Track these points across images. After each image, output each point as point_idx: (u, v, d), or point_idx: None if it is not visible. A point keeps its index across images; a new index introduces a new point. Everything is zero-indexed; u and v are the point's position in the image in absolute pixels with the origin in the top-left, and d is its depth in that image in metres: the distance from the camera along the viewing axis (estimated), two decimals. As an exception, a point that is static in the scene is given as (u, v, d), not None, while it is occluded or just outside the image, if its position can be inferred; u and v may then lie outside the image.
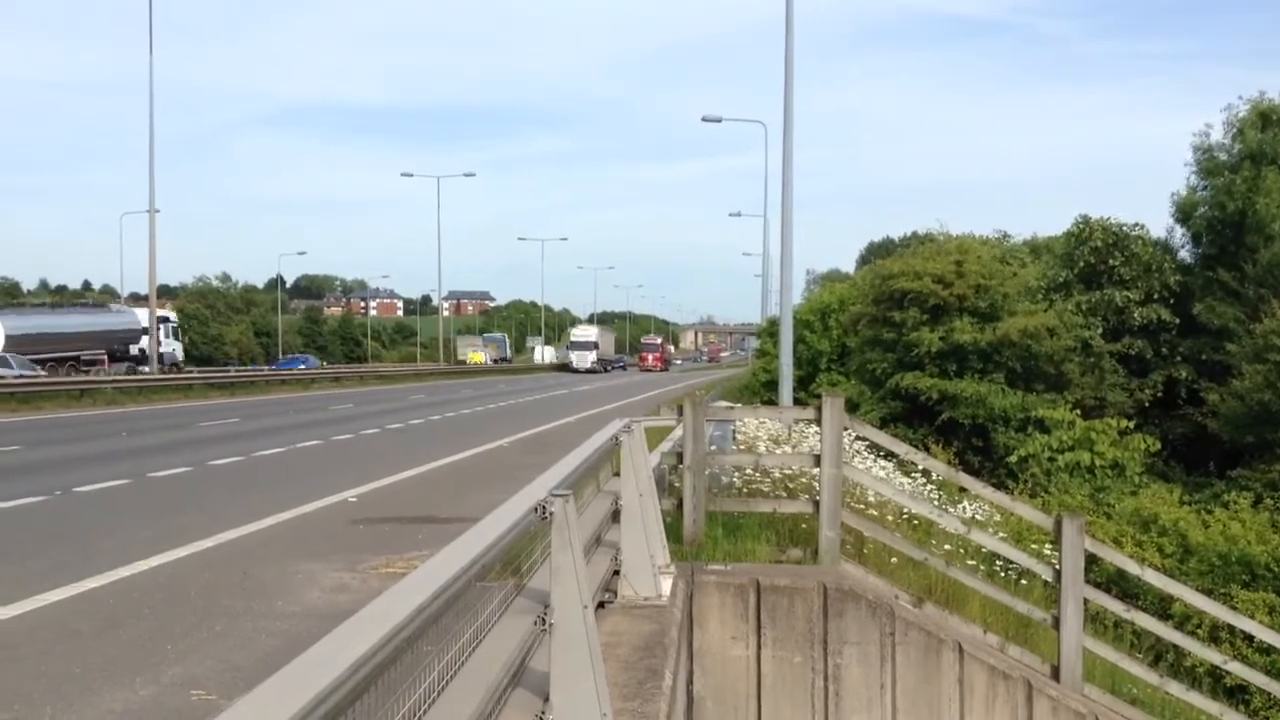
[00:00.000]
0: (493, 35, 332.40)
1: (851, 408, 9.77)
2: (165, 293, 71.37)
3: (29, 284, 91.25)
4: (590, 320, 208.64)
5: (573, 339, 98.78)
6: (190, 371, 47.59)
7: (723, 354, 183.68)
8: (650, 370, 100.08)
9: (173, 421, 24.84)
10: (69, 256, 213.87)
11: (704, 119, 41.79)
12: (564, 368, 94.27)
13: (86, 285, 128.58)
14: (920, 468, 10.89)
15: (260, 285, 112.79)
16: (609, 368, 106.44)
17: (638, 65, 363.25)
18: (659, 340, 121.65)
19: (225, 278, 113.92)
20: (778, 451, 10.53)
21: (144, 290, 47.26)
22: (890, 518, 10.29)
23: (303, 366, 63.32)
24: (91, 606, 7.20)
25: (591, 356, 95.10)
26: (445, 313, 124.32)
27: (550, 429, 23.61)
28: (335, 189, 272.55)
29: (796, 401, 18.24)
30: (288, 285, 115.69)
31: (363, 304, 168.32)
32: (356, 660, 2.18)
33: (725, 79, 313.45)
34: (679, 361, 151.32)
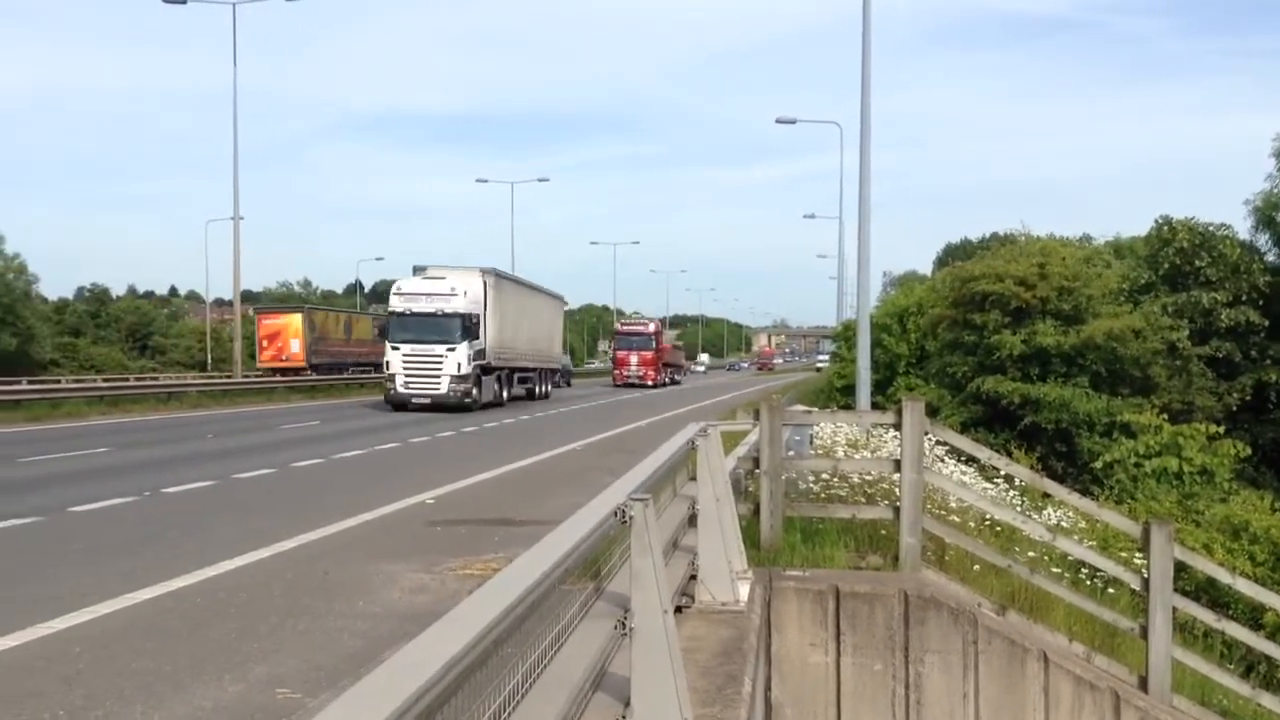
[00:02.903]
0: (566, 42, 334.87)
1: (931, 412, 9.62)
2: (249, 298, 72.91)
3: (118, 289, 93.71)
4: (664, 324, 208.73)
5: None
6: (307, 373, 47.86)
7: (778, 359, 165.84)
8: (633, 383, 57.39)
9: (255, 424, 25.37)
10: (157, 263, 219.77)
11: (778, 121, 41.61)
12: None
13: (173, 291, 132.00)
14: (1002, 473, 10.69)
15: (339, 290, 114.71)
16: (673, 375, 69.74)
17: (710, 68, 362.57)
18: (650, 328, 61.99)
19: (306, 283, 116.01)
20: (856, 456, 10.41)
21: (228, 295, 48.35)
22: (972, 524, 10.11)
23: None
24: (180, 605, 7.36)
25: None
26: None
27: (622, 433, 23.66)
28: (412, 195, 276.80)
29: (874, 406, 18.04)
30: (366, 290, 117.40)
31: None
32: (447, 662, 2.19)
33: (799, 81, 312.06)
34: (698, 369, 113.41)
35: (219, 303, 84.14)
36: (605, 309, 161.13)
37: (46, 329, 58.66)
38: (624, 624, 3.84)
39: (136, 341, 75.13)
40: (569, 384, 56.44)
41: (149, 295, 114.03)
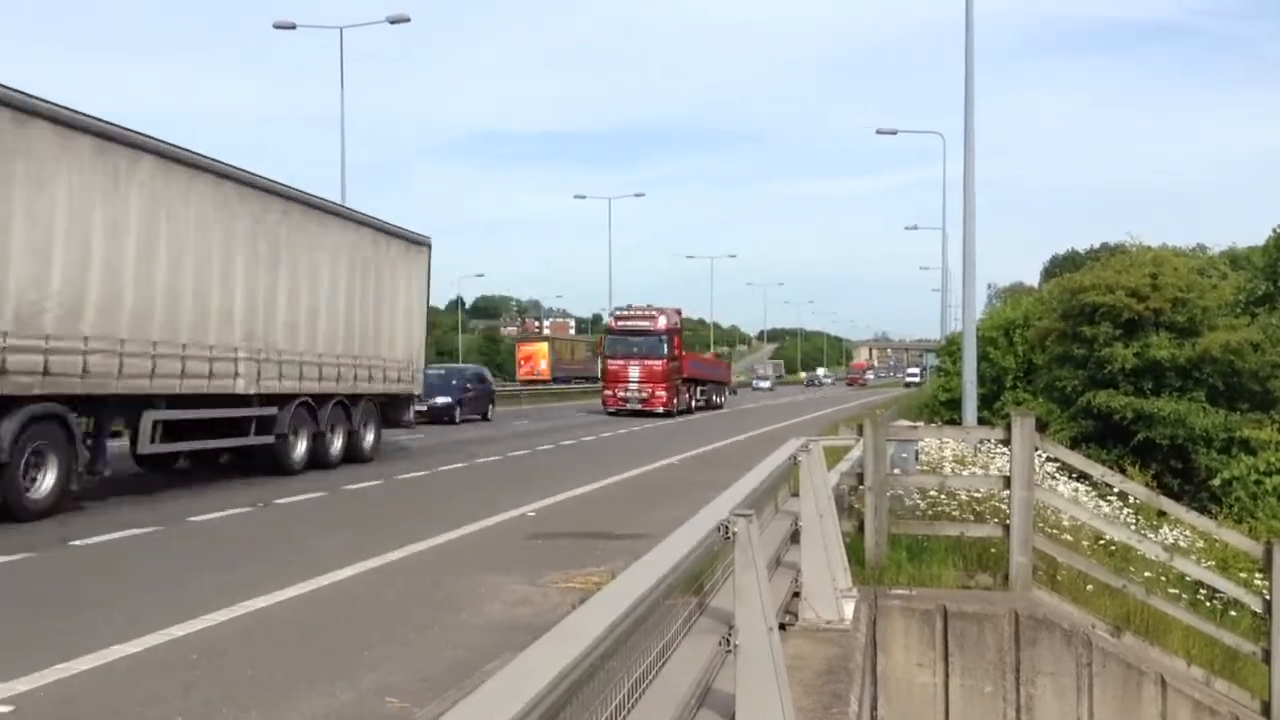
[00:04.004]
0: (661, 56, 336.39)
1: (1040, 427, 9.39)
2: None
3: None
4: (761, 338, 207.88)
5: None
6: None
7: (870, 374, 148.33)
8: (633, 410, 37.94)
9: (482, 423, 28.14)
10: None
11: (879, 132, 41.21)
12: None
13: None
14: (1116, 490, 10.37)
15: (442, 306, 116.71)
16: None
17: (808, 79, 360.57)
18: (659, 322, 39.43)
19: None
20: (964, 473, 10.21)
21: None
22: (1085, 543, 9.83)
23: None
24: (293, 613, 7.55)
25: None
26: None
27: (719, 448, 23.57)
28: (511, 212, 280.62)
29: (981, 421, 17.68)
30: (467, 306, 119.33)
31: (536, 323, 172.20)
32: (559, 673, 2.20)
33: (899, 90, 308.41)
34: (762, 384, 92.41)
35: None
36: (701, 322, 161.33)
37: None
38: (728, 640, 3.82)
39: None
40: (486, 414, 34.28)
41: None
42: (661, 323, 39.16)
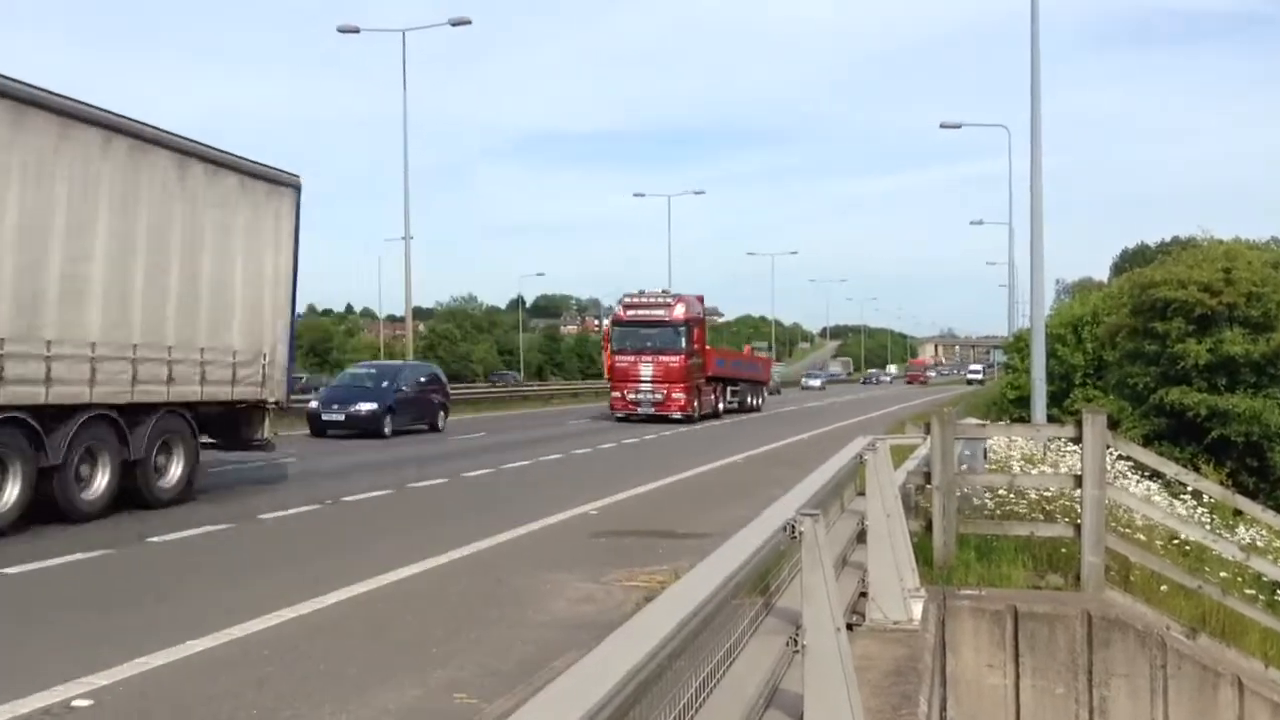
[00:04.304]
0: (720, 54, 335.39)
1: (1111, 425, 9.22)
2: (420, 314, 75.78)
3: (300, 307, 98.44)
4: (824, 335, 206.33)
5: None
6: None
7: (932, 372, 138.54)
8: (645, 416, 31.84)
9: (428, 435, 26.22)
10: (334, 281, 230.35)
11: (943, 126, 40.77)
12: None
13: (349, 308, 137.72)
14: (1190, 489, 10.15)
15: (503, 305, 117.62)
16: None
17: (868, 73, 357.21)
18: (676, 311, 32.59)
19: (471, 298, 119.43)
20: (1034, 471, 10.05)
21: (400, 311, 50.19)
22: (1158, 543, 9.63)
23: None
24: (362, 609, 7.65)
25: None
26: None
27: (783, 446, 23.46)
28: (570, 212, 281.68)
29: (1050, 419, 17.40)
30: (527, 305, 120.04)
31: (596, 321, 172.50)
32: (629, 671, 2.20)
33: (962, 83, 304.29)
34: (812, 383, 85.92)
35: (391, 319, 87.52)
36: (763, 319, 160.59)
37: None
38: (795, 640, 3.80)
39: (318, 356, 78.70)
40: (436, 423, 27.70)
41: (327, 313, 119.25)
42: (679, 311, 32.39)
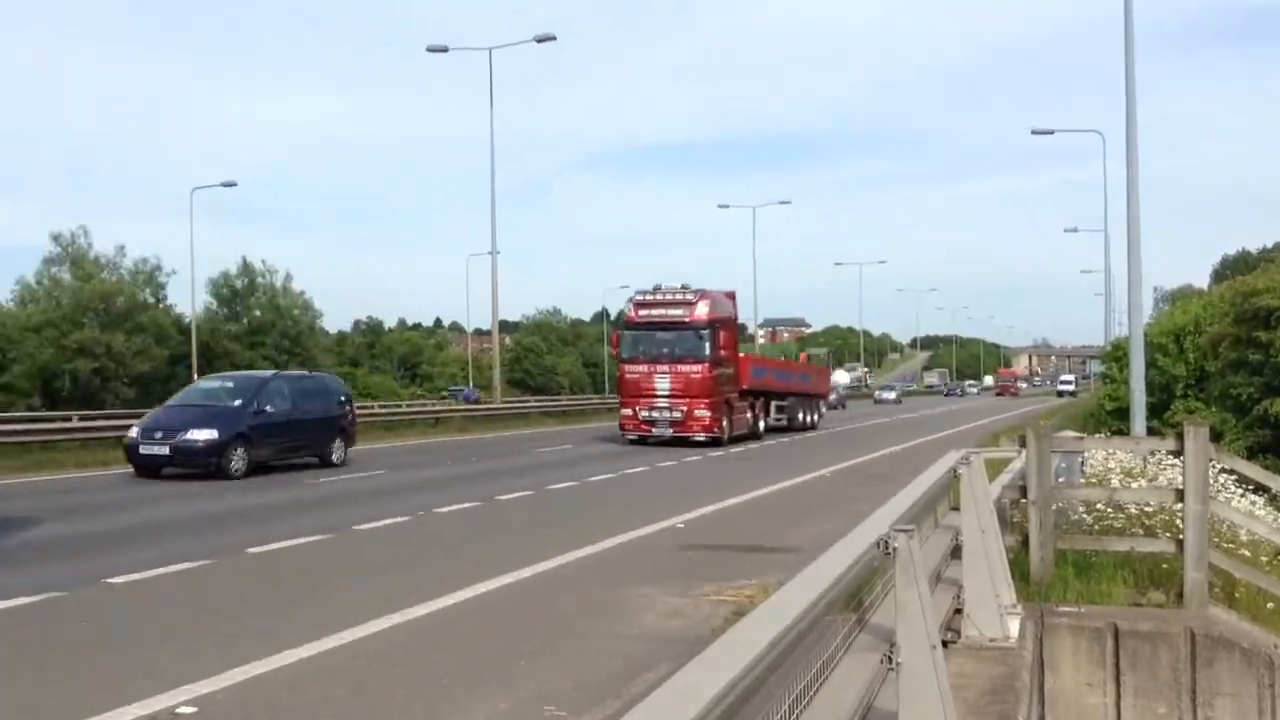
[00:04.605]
0: (803, 62, 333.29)
1: (1214, 437, 8.93)
2: (506, 327, 76.65)
3: (389, 322, 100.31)
4: (914, 345, 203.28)
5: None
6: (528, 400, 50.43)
7: (1023, 383, 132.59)
8: (660, 439, 26.76)
9: (514, 448, 26.47)
10: (423, 295, 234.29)
11: (1034, 132, 40.03)
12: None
13: (437, 322, 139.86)
14: (1299, 504, 9.78)
15: (587, 318, 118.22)
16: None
17: (953, 80, 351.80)
18: (698, 311, 27.10)
19: (556, 311, 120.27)
20: (1133, 485, 9.78)
21: (487, 325, 50.90)
22: (1264, 559, 9.29)
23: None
24: (453, 620, 7.74)
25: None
26: (761, 340, 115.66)
27: (871, 459, 23.17)
28: (654, 224, 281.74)
29: (1150, 431, 16.90)
30: (611, 317, 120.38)
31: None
32: (720, 691, 2.19)
33: (1053, 87, 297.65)
34: (887, 395, 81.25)
35: (478, 332, 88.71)
36: (851, 330, 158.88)
37: (329, 359, 63.38)
38: (890, 658, 3.75)
39: (407, 370, 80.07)
40: (328, 454, 20.97)
41: (416, 327, 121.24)
42: (702, 310, 26.93)
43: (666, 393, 26.79)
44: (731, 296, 29.62)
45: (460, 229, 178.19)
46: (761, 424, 30.48)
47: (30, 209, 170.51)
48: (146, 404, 39.59)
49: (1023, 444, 8.54)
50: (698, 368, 26.64)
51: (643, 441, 26.72)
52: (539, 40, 36.17)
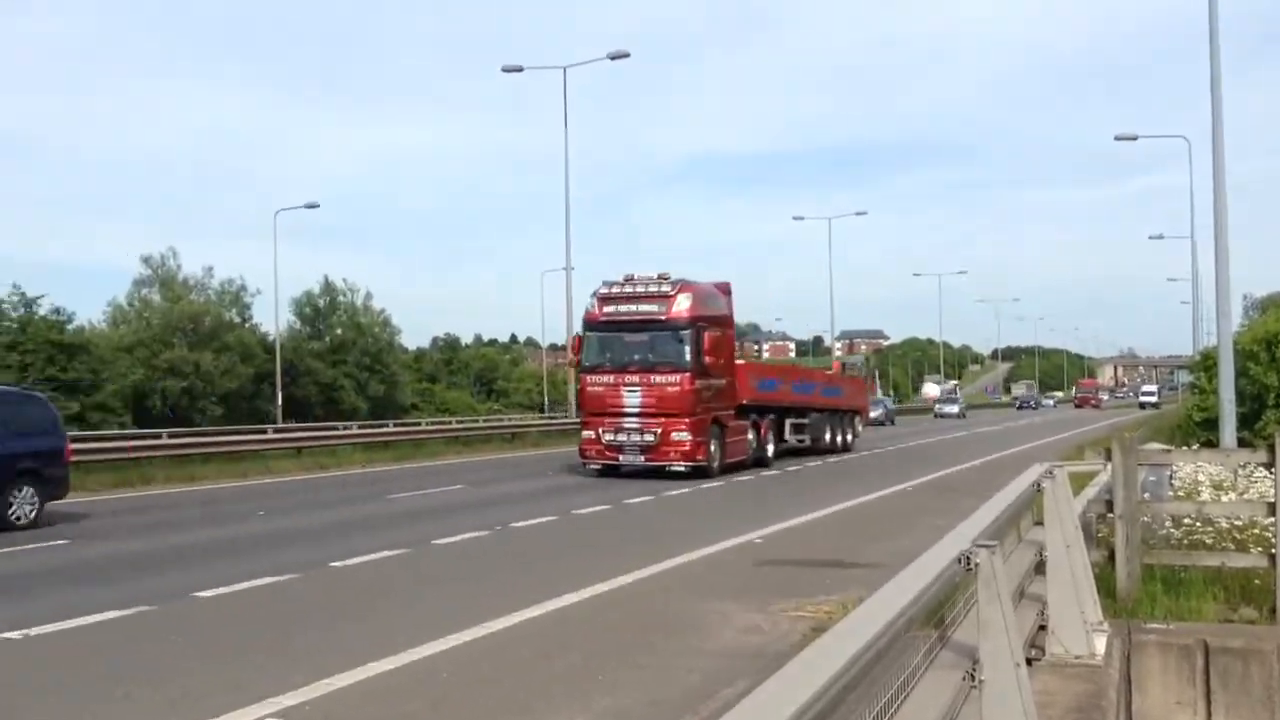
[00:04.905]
0: (878, 71, 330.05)
1: (1309, 449, 8.62)
2: (581, 342, 77.38)
3: (466, 338, 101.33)
4: (995, 357, 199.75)
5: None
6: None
7: (1104, 394, 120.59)
8: (626, 469, 21.90)
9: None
10: (498, 312, 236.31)
11: (1118, 138, 39.17)
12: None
13: (513, 338, 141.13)
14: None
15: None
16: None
17: (1032, 86, 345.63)
18: (676, 305, 21.52)
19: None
20: (1223, 499, 9.50)
21: (561, 340, 51.27)
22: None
23: None
24: (530, 634, 7.80)
25: None
26: (837, 352, 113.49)
27: (953, 473, 22.83)
28: (729, 236, 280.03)
29: (1241, 443, 16.41)
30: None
31: (755, 346, 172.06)
32: (800, 708, 2.18)
33: (1133, 93, 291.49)
34: (949, 409, 71.50)
35: (553, 348, 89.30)
36: (930, 342, 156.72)
37: (408, 376, 64.23)
38: (972, 675, 3.70)
39: (483, 386, 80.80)
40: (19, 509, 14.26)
41: (492, 343, 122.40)
42: (682, 305, 21.53)
43: (637, 410, 21.43)
44: (725, 290, 23.93)
45: (536, 245, 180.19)
46: (770, 447, 24.79)
47: (122, 231, 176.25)
48: (235, 421, 40.60)
49: (1108, 457, 8.36)
50: (676, 378, 21.21)
51: (611, 472, 21.75)
52: (612, 57, 36.40)
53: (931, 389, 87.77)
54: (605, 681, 6.54)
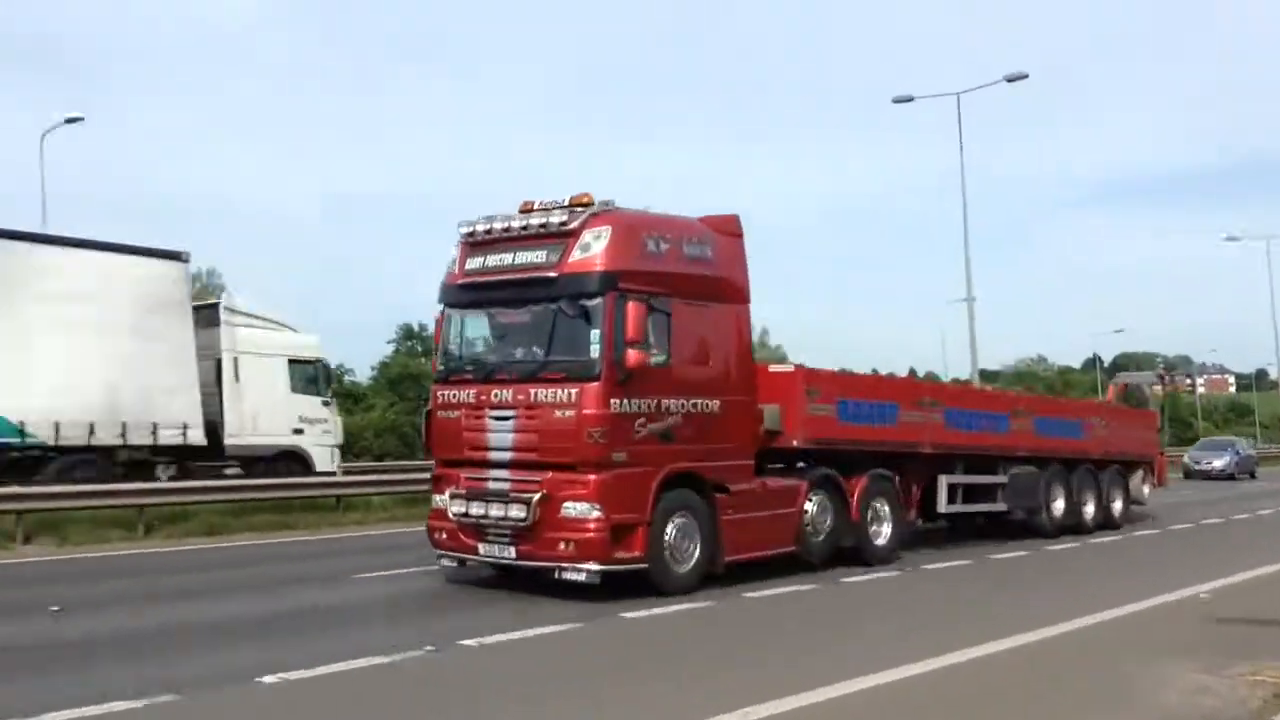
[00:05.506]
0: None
1: None
2: (986, 377, 73.87)
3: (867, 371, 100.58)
4: None
5: None
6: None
7: None
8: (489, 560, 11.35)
9: None
10: (898, 345, 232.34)
11: None
12: None
13: (912, 372, 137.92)
14: None
15: (1076, 364, 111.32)
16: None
17: None
18: (586, 252, 10.64)
19: (1040, 359, 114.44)
20: None
21: (965, 374, 49.61)
22: None
23: None
24: (948, 684, 7.50)
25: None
26: None
27: None
28: (1154, 261, 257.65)
29: None
30: (1105, 364, 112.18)
31: (1187, 380, 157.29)
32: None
33: None
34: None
35: (955, 381, 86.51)
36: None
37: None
38: None
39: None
40: None
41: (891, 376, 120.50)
42: (591, 247, 10.92)
43: (507, 455, 11.24)
44: (724, 229, 12.30)
45: (934, 276, 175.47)
46: (887, 525, 13.80)
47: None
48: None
49: None
50: (570, 392, 10.76)
51: (465, 575, 11.95)
52: (1009, 80, 34.81)
53: None
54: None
